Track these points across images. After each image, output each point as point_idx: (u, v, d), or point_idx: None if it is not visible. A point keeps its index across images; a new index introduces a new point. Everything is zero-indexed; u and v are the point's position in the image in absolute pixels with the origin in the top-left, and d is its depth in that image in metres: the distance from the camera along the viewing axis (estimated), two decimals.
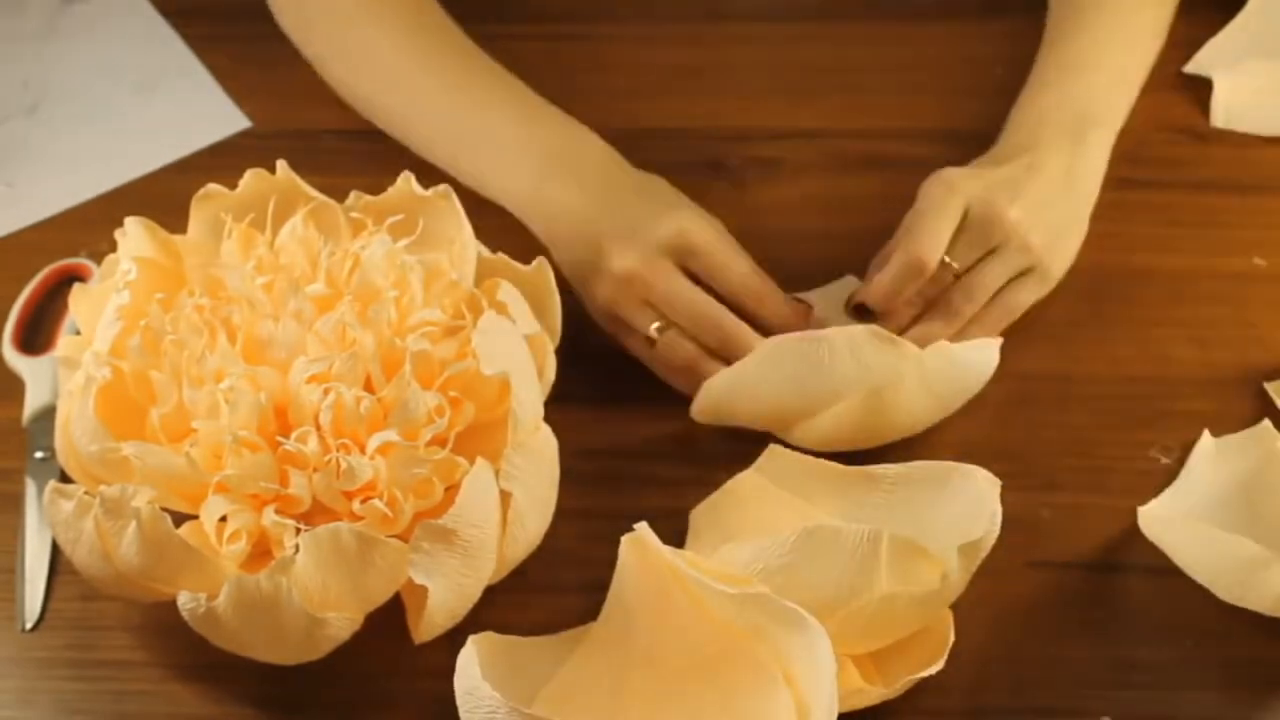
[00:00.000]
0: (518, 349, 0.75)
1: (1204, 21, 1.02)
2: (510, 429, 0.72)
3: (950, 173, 0.86)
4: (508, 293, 0.78)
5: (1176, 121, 0.98)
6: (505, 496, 0.72)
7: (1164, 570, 0.77)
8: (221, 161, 0.97)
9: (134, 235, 0.79)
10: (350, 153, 0.97)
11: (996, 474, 0.73)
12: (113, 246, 0.80)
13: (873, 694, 0.71)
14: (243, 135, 1.00)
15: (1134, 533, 0.78)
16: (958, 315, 0.84)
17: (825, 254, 0.89)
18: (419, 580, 0.69)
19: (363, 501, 0.71)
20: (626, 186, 0.88)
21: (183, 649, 0.74)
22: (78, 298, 0.79)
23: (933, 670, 0.71)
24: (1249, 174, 0.95)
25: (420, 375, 0.73)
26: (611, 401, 0.85)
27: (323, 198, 0.81)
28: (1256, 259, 0.91)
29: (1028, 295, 0.86)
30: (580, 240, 0.86)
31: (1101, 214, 0.92)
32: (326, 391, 0.72)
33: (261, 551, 0.72)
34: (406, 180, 0.81)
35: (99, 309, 0.77)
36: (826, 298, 0.88)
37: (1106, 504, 0.80)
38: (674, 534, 0.75)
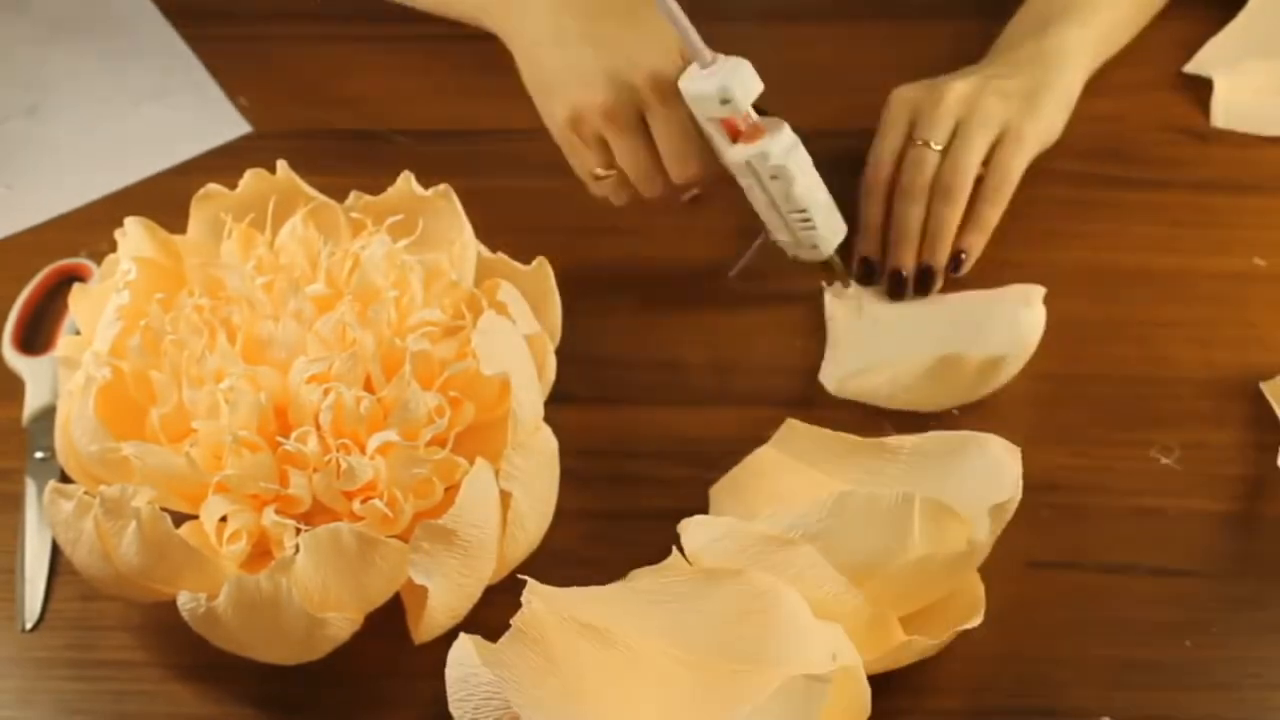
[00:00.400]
0: (518, 349, 0.75)
1: (1204, 21, 1.02)
2: (510, 429, 0.72)
3: (898, 89, 0.93)
4: (508, 293, 0.78)
5: (1176, 121, 0.98)
6: (505, 496, 0.72)
7: (1164, 570, 0.77)
8: (221, 162, 0.97)
9: (134, 235, 0.79)
10: (350, 153, 0.97)
11: None
12: (113, 246, 0.80)
13: (917, 645, 0.71)
14: (243, 137, 1.00)
15: (1134, 533, 0.78)
16: (951, 190, 0.88)
17: None
18: (419, 580, 0.69)
19: (363, 501, 0.71)
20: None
21: (183, 649, 0.74)
22: (78, 298, 0.79)
23: (974, 623, 0.71)
24: (1249, 174, 0.95)
25: (420, 375, 0.73)
26: (611, 401, 0.85)
27: (323, 198, 0.81)
28: (1256, 259, 0.91)
29: (1009, 155, 0.89)
30: (556, 54, 0.86)
31: (1101, 214, 0.93)
32: (326, 391, 0.72)
33: (261, 551, 0.72)
34: (406, 180, 0.81)
35: (99, 309, 0.77)
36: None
37: (1106, 504, 0.80)
38: (674, 535, 0.75)
